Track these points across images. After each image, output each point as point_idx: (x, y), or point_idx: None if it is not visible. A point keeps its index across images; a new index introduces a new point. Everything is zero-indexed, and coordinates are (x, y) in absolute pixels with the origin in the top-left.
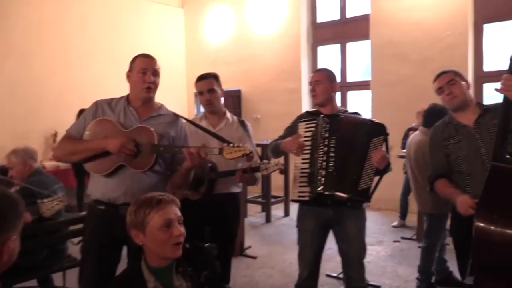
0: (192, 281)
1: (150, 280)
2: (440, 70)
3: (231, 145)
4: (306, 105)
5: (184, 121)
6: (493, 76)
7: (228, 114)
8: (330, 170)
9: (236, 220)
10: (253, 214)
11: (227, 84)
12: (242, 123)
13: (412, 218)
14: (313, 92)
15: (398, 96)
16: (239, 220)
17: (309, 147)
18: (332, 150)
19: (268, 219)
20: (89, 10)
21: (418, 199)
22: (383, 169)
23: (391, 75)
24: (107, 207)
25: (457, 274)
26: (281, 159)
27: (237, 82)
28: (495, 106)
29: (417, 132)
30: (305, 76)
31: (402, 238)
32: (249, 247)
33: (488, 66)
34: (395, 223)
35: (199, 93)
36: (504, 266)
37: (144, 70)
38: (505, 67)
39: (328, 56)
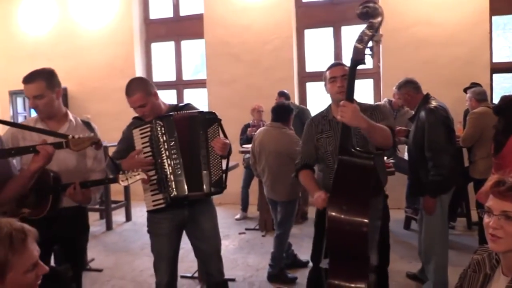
0: None
1: None
2: (270, 71)
3: (76, 136)
4: None
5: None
6: (314, 76)
7: (71, 116)
8: (178, 172)
9: (85, 234)
10: (92, 222)
11: None
12: (88, 125)
13: (252, 210)
14: (142, 114)
15: (233, 94)
16: (88, 234)
17: (150, 153)
18: (174, 151)
19: (109, 227)
20: None
21: (273, 190)
22: (227, 153)
23: (226, 74)
24: None
25: (301, 256)
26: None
27: (62, 79)
28: (365, 107)
29: (265, 127)
30: (139, 73)
31: (247, 229)
32: (92, 259)
33: (310, 67)
34: (237, 216)
35: (28, 98)
36: (353, 251)
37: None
38: (325, 68)
39: (162, 53)
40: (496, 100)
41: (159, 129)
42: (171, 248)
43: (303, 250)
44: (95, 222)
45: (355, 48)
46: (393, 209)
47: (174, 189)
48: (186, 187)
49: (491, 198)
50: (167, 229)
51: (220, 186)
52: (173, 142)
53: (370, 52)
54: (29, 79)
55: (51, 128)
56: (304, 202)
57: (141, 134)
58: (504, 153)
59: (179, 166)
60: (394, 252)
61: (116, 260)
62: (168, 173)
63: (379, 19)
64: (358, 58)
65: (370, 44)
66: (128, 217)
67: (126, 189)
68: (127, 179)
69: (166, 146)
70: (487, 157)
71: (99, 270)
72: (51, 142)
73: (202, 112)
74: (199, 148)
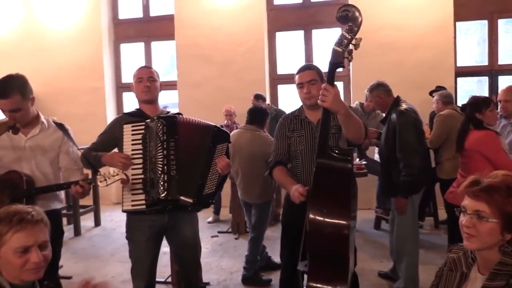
0: None
1: None
2: (241, 73)
3: None
4: (111, 105)
5: None
6: (286, 79)
7: (43, 118)
8: (173, 173)
9: (59, 241)
10: None
11: None
12: (61, 126)
13: (225, 212)
14: (147, 88)
15: (204, 96)
16: (63, 239)
17: (140, 152)
18: (172, 153)
19: (77, 232)
20: None
21: (247, 193)
22: (225, 175)
23: (196, 76)
24: None
25: (275, 259)
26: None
27: None
28: None
29: (240, 129)
30: (108, 74)
31: (219, 232)
32: (61, 266)
33: (281, 69)
34: (210, 219)
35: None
36: (333, 254)
37: None
38: (296, 71)
39: (132, 54)
40: (460, 103)
41: (160, 127)
42: (150, 254)
43: (277, 252)
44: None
45: (334, 51)
46: (364, 209)
47: (166, 190)
48: (177, 191)
49: (466, 197)
50: (146, 235)
51: (207, 201)
52: (173, 143)
53: (349, 56)
54: (3, 94)
55: (23, 131)
56: (277, 204)
57: (133, 131)
58: (468, 151)
59: (175, 167)
60: (365, 251)
61: (85, 266)
62: (162, 173)
63: (358, 22)
64: (337, 61)
65: (349, 47)
66: (97, 222)
67: (95, 193)
68: (105, 179)
69: (165, 146)
70: (453, 158)
71: (68, 278)
72: None
73: (218, 127)
74: (203, 158)
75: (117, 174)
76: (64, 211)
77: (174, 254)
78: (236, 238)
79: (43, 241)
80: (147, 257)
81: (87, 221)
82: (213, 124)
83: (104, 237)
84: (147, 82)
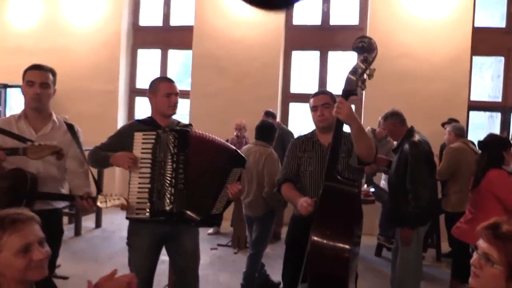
0: None
1: None
2: (255, 86)
3: (36, 143)
4: (122, 108)
5: None
6: (298, 97)
7: (55, 117)
8: (180, 187)
9: (59, 239)
10: None
11: None
12: (70, 128)
13: (226, 225)
14: (176, 104)
15: (216, 107)
16: (62, 238)
17: (149, 161)
18: (181, 166)
19: (77, 232)
20: None
21: (250, 206)
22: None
23: (210, 87)
24: None
25: (273, 277)
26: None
27: None
28: (348, 133)
29: (249, 145)
30: (123, 77)
31: (219, 245)
32: (58, 266)
33: (294, 88)
34: (210, 231)
35: (28, 83)
36: (333, 276)
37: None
38: (309, 91)
39: (149, 61)
40: (470, 136)
41: (172, 139)
42: (149, 263)
43: (275, 270)
44: (63, 227)
45: (348, 79)
46: (365, 235)
47: (172, 203)
48: (184, 205)
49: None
50: (145, 242)
51: (215, 220)
52: (183, 157)
53: (362, 85)
54: (40, 66)
55: (34, 125)
56: (278, 223)
57: (144, 139)
58: (480, 189)
59: (182, 181)
60: (365, 279)
61: (83, 268)
62: (169, 185)
63: (373, 54)
64: (350, 88)
65: (363, 76)
66: (98, 223)
67: (98, 193)
68: (106, 201)
69: (175, 158)
70: (459, 192)
71: (65, 278)
72: (6, 148)
73: (237, 151)
74: (216, 177)
75: (119, 199)
76: (66, 210)
77: (173, 264)
78: (235, 253)
79: (41, 237)
80: (146, 265)
81: (88, 221)
82: (233, 147)
83: (103, 239)
84: (176, 98)
